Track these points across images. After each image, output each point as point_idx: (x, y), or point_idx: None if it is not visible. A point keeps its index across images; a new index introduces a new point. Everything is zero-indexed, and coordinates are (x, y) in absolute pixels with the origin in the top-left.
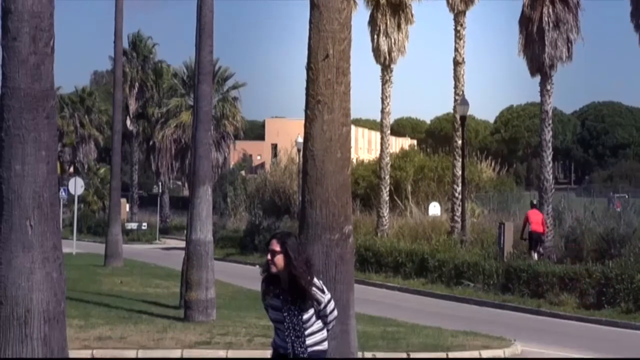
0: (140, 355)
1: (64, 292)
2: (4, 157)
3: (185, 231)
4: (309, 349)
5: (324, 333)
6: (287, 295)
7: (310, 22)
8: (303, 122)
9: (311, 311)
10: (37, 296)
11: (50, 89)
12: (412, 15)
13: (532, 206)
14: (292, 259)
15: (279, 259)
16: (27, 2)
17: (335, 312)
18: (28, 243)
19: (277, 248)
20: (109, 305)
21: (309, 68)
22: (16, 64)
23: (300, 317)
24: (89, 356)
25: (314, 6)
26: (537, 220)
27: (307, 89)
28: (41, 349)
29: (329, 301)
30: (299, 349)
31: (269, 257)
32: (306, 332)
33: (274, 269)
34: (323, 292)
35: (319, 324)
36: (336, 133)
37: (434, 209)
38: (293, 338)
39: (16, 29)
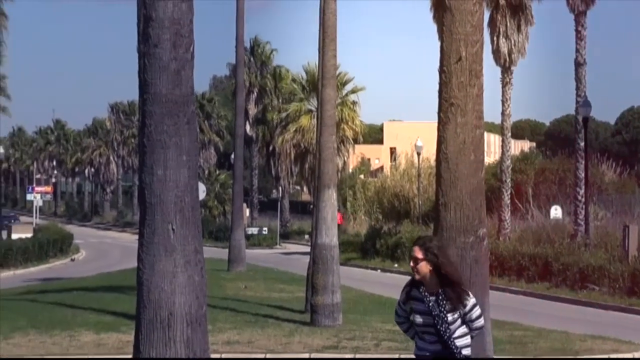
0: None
1: (205, 295)
2: (146, 163)
3: (306, 235)
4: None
5: (468, 339)
6: (433, 297)
7: (443, 25)
8: (420, 124)
9: (456, 314)
10: (179, 299)
11: (191, 94)
12: (532, 17)
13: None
14: (437, 261)
15: (422, 266)
16: (168, 9)
17: (482, 321)
18: (170, 247)
19: (420, 255)
20: (235, 309)
21: (441, 71)
22: (157, 70)
23: (445, 318)
24: None
25: (446, 9)
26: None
27: (440, 91)
28: (184, 351)
29: (474, 305)
30: (453, 346)
31: (412, 264)
32: (453, 335)
33: (417, 277)
34: (468, 294)
35: (463, 329)
36: (469, 135)
37: (556, 212)
38: (446, 338)
39: (157, 36)
